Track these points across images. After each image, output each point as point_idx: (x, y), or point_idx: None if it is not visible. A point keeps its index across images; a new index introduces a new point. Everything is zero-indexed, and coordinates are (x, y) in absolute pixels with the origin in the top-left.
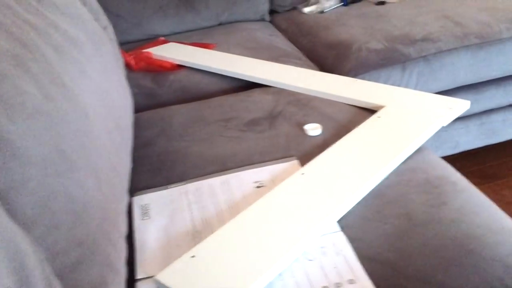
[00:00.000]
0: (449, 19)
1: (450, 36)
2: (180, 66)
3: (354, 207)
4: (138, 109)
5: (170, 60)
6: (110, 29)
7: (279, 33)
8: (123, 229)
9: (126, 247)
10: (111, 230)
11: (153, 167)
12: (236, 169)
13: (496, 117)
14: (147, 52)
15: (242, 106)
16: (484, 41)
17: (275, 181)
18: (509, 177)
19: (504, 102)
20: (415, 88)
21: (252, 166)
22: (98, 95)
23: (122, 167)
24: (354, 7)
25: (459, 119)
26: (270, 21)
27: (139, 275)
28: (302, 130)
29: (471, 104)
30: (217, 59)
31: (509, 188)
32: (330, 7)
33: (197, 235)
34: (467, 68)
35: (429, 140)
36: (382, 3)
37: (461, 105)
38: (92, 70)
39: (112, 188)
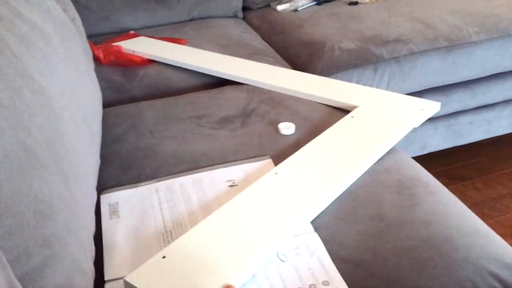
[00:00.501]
0: (420, 21)
1: (421, 38)
2: (150, 61)
3: (327, 207)
4: (106, 104)
5: (140, 55)
6: (79, 21)
7: (252, 30)
8: (91, 228)
9: (94, 247)
10: (78, 229)
11: (122, 164)
12: (208, 168)
13: (463, 119)
14: (117, 46)
15: (214, 103)
16: (453, 44)
17: (248, 180)
18: (475, 178)
19: (471, 104)
20: (386, 89)
21: (225, 164)
22: (65, 89)
23: (90, 164)
24: (327, 6)
25: (428, 120)
26: (243, 18)
27: (107, 276)
28: (276, 129)
29: (440, 106)
30: (189, 54)
31: (476, 189)
32: (303, 5)
33: (168, 235)
34: (436, 70)
35: (398, 141)
36: (355, 3)
37: (432, 107)
38: (59, 63)
39: (79, 186)
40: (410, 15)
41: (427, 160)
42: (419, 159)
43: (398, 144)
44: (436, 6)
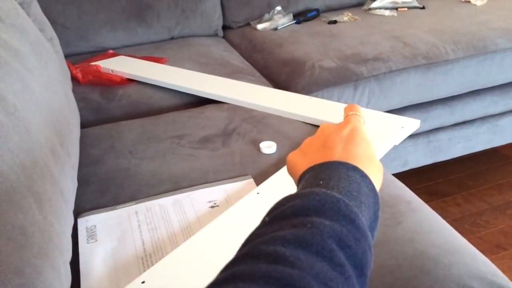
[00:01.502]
0: (398, 40)
1: (399, 56)
2: (130, 80)
3: None
4: (85, 125)
5: (119, 74)
6: (56, 40)
7: (232, 49)
8: (67, 254)
9: (70, 273)
10: (53, 255)
11: (100, 186)
12: (189, 188)
13: (443, 136)
14: (95, 65)
15: (195, 123)
16: (431, 62)
17: (229, 200)
18: (456, 194)
19: (450, 121)
20: (366, 106)
21: (205, 185)
22: (41, 110)
23: (66, 186)
24: (307, 25)
25: (408, 137)
26: (224, 37)
27: None
28: (257, 148)
29: (419, 123)
30: (169, 73)
31: (456, 205)
32: (283, 24)
33: (147, 258)
34: (415, 87)
35: (379, 158)
36: (334, 22)
37: (412, 124)
38: (35, 83)
39: (55, 211)
40: (388, 33)
41: (408, 177)
42: (401, 175)
43: (380, 161)
44: (413, 25)
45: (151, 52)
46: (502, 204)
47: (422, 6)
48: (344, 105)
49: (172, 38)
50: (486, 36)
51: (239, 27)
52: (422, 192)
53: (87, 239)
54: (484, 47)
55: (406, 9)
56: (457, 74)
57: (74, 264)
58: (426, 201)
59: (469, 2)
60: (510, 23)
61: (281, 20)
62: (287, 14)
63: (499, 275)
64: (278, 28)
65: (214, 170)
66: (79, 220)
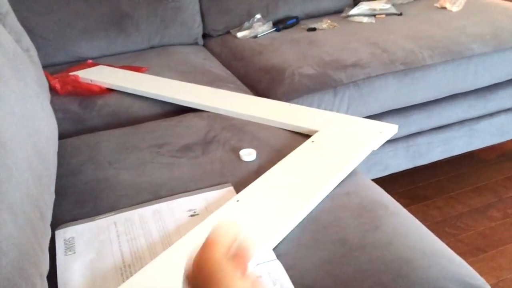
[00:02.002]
0: (376, 46)
1: (378, 62)
2: (109, 90)
3: (290, 233)
4: (64, 135)
5: (98, 84)
6: (34, 51)
7: (212, 57)
8: (44, 267)
9: (47, 286)
10: (29, 269)
11: (79, 198)
12: (169, 198)
13: (422, 140)
14: (74, 75)
15: (175, 132)
16: (409, 67)
17: (209, 209)
18: (436, 197)
19: (428, 125)
20: (346, 112)
21: (185, 194)
22: (16, 122)
23: (43, 199)
24: (286, 33)
25: (388, 142)
26: (204, 45)
27: None
28: (237, 156)
29: (398, 127)
30: (149, 82)
31: (437, 208)
32: (263, 32)
33: (126, 269)
34: (394, 93)
35: (360, 163)
36: (313, 29)
37: (390, 129)
38: (10, 95)
39: (30, 223)
40: (367, 40)
41: (390, 181)
42: (381, 180)
43: (360, 166)
44: (391, 31)
45: (130, 61)
46: (481, 207)
47: (399, 13)
48: (324, 111)
49: (152, 47)
50: (462, 41)
51: (219, 35)
52: (403, 196)
53: (65, 251)
54: (460, 52)
55: (384, 16)
56: (434, 79)
57: (52, 277)
58: (407, 205)
59: (445, 8)
60: (485, 29)
61: (261, 28)
62: (267, 22)
63: (476, 277)
64: (258, 36)
65: (194, 179)
66: (57, 232)
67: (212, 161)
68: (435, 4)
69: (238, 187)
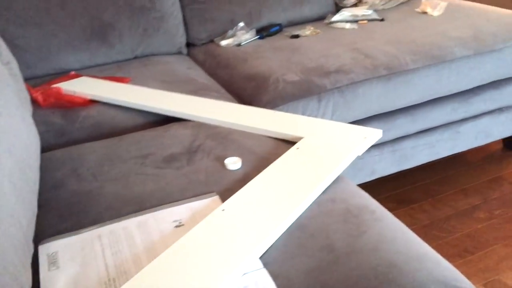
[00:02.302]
0: (359, 52)
1: (361, 68)
2: (92, 102)
3: (276, 241)
4: (46, 148)
5: (81, 95)
6: (14, 64)
7: (196, 66)
8: (27, 284)
9: None
10: (11, 286)
11: (62, 211)
12: (153, 209)
13: (407, 144)
14: (57, 88)
15: (159, 142)
16: (392, 72)
17: (195, 219)
18: (423, 201)
19: (413, 129)
20: (331, 119)
21: (170, 204)
22: None
23: (24, 214)
24: (270, 40)
25: (374, 146)
26: (188, 54)
27: None
28: (222, 165)
29: (383, 132)
30: (133, 93)
31: (424, 212)
32: (246, 40)
33: (111, 283)
34: (378, 98)
35: (346, 168)
36: (296, 36)
37: (374, 134)
38: None
39: (11, 239)
40: (349, 46)
41: (376, 185)
42: (369, 184)
43: (346, 171)
44: (373, 37)
45: (114, 72)
46: (467, 209)
47: (381, 18)
48: (308, 118)
49: (135, 57)
50: (444, 45)
51: (203, 44)
52: (391, 200)
53: (48, 267)
54: (441, 56)
55: (366, 21)
56: (417, 84)
57: None
58: (394, 209)
59: (426, 13)
60: (466, 33)
61: (244, 36)
62: (250, 30)
63: (462, 280)
64: (242, 44)
65: (179, 189)
66: (40, 247)
67: (197, 171)
68: (416, 9)
69: (224, 196)
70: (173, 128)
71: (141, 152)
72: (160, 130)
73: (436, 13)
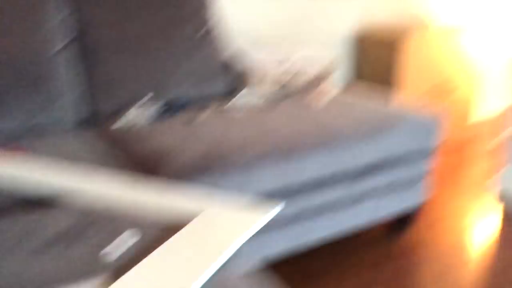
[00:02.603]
0: (258, 131)
1: (260, 145)
2: None
3: None
4: None
5: None
6: None
7: (92, 144)
8: None
9: None
10: None
11: None
12: None
13: (306, 220)
14: None
15: (39, 226)
16: (287, 153)
17: None
18: (327, 276)
19: (312, 205)
20: (230, 197)
21: None
22: None
23: None
24: (172, 117)
25: (270, 224)
26: (84, 130)
27: None
28: (113, 244)
29: (282, 208)
30: (15, 169)
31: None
32: (145, 118)
33: None
34: (275, 176)
35: (246, 245)
36: (199, 113)
37: (272, 210)
38: None
39: None
40: (250, 125)
41: (280, 262)
42: (271, 262)
43: (248, 248)
44: (273, 116)
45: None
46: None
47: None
48: (203, 196)
49: (28, 131)
50: (336, 127)
51: (99, 121)
52: (296, 277)
53: None
54: (334, 137)
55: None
56: (313, 163)
57: None
58: (298, 285)
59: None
60: (356, 118)
61: (146, 112)
62: (153, 105)
63: None
64: (140, 122)
65: (60, 277)
66: None
67: (85, 251)
68: (303, 101)
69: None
70: (56, 210)
71: (13, 240)
72: (38, 214)
73: (321, 103)
